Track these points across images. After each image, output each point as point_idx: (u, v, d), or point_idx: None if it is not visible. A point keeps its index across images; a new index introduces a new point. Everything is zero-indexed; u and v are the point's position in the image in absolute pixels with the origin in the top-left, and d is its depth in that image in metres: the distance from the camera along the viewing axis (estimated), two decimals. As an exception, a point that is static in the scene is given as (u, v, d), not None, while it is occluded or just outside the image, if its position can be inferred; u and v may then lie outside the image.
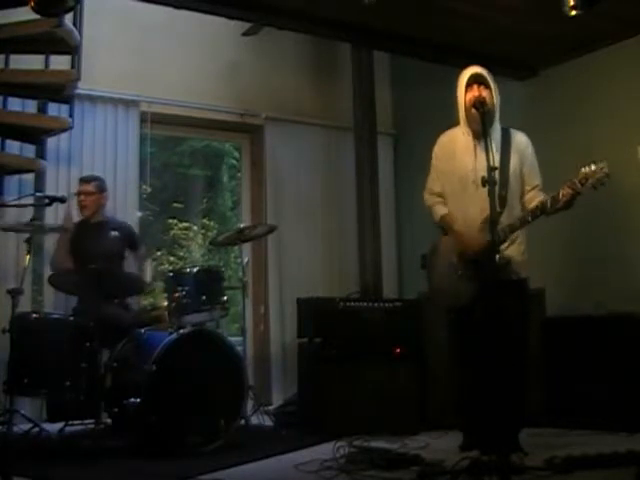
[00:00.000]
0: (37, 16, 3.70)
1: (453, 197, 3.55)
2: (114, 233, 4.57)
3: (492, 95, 3.44)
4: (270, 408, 4.88)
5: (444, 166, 3.60)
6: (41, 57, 4.69)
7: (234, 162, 7.34)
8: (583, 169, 3.13)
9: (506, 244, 3.34)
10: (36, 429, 3.80)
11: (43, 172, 4.84)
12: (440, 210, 3.59)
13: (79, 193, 4.57)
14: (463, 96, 3.48)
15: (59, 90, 4.78)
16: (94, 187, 4.58)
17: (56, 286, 4.19)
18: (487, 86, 3.45)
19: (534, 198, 3.43)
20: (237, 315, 5.51)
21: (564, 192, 3.15)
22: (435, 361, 4.37)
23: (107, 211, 4.76)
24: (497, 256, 3.03)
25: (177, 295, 3.97)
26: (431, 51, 4.98)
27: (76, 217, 4.64)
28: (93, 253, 4.32)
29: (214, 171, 7.88)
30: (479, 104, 3.29)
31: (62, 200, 4.01)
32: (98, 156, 5.23)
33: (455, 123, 3.59)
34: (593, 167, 3.11)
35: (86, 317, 3.84)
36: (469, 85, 3.46)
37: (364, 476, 2.97)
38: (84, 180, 4.64)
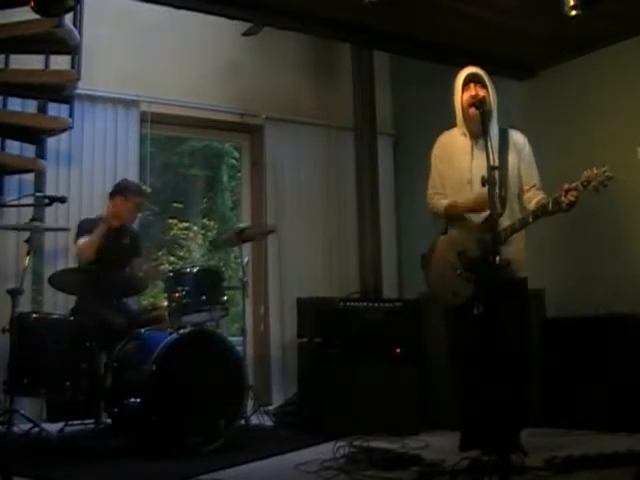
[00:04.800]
0: (37, 16, 3.70)
1: (451, 198, 3.54)
2: (126, 240, 4.56)
3: (490, 94, 3.44)
4: (270, 408, 4.88)
5: (443, 167, 3.59)
6: (41, 57, 4.68)
7: (234, 162, 7.35)
8: (585, 172, 3.12)
9: (505, 245, 3.33)
10: (36, 429, 3.79)
11: (43, 172, 4.84)
12: (442, 202, 3.54)
13: (141, 203, 4.58)
14: (460, 96, 3.47)
15: (59, 90, 4.78)
16: None
17: (56, 286, 4.19)
18: (484, 85, 3.45)
19: (533, 197, 3.43)
20: (237, 315, 5.51)
21: (567, 195, 3.13)
22: (435, 361, 4.37)
23: None
24: (497, 257, 3.02)
25: (177, 295, 3.98)
26: (431, 51, 4.98)
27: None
28: (107, 256, 4.29)
29: (214, 171, 7.89)
30: (479, 103, 3.28)
31: (62, 200, 4.01)
32: (98, 156, 5.23)
33: (455, 124, 3.58)
34: (595, 170, 3.11)
35: (85, 317, 3.84)
36: (466, 85, 3.46)
37: (364, 476, 2.96)
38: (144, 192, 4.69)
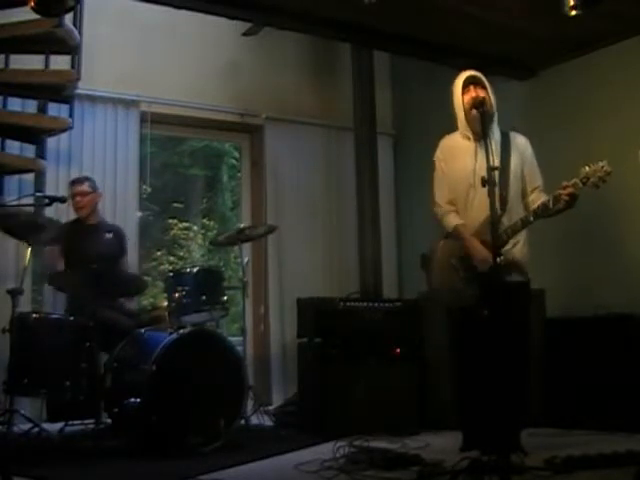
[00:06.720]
0: (37, 16, 3.70)
1: (456, 200, 3.54)
2: (108, 235, 4.59)
3: (489, 95, 3.45)
4: (270, 408, 4.87)
5: (447, 169, 3.59)
6: (41, 57, 4.68)
7: (234, 162, 7.35)
8: (584, 168, 3.14)
9: (509, 246, 3.33)
10: (36, 429, 3.78)
11: (43, 172, 4.83)
12: (453, 220, 3.54)
13: (74, 195, 4.57)
14: (460, 99, 3.49)
15: (59, 90, 4.78)
16: (88, 187, 4.60)
17: (56, 286, 4.19)
18: (483, 87, 3.46)
19: (537, 199, 3.43)
20: (237, 315, 5.51)
21: (566, 192, 3.15)
22: (435, 361, 4.37)
23: (101, 213, 4.78)
24: (499, 258, 3.02)
25: (177, 295, 3.97)
26: (431, 51, 4.98)
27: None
28: (89, 255, 4.31)
29: (214, 171, 7.89)
30: (478, 104, 3.29)
31: (62, 200, 4.01)
32: (98, 156, 5.23)
33: (455, 124, 3.58)
34: (594, 166, 3.13)
35: (81, 316, 3.84)
36: (465, 87, 3.48)
37: (364, 476, 2.96)
38: (78, 181, 4.65)
